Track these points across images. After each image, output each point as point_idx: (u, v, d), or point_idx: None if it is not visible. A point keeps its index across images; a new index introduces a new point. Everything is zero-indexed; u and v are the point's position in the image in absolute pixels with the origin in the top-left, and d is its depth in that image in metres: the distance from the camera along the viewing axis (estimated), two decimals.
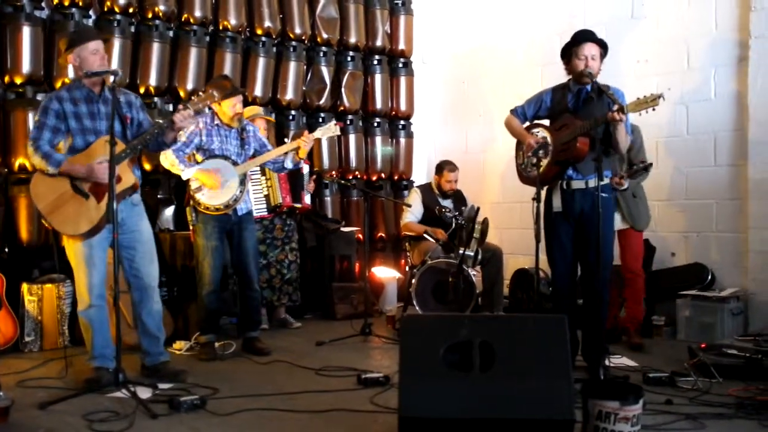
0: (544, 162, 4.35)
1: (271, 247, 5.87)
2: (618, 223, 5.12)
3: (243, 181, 4.83)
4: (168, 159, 4.74)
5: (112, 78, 3.84)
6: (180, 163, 4.77)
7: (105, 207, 3.89)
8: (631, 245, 5.26)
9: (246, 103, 5.77)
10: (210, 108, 4.61)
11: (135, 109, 4.18)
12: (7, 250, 5.39)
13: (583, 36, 4.25)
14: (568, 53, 4.28)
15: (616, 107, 3.98)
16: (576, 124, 4.18)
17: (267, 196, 5.74)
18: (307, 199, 6.07)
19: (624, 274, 5.28)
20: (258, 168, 5.50)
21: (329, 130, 5.07)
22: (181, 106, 4.04)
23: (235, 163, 4.85)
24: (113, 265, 3.77)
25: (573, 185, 4.28)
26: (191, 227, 4.97)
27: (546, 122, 4.49)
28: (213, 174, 4.75)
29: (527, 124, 4.52)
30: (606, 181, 4.26)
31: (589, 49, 4.19)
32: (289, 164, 5.10)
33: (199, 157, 4.89)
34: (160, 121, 4.08)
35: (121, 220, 4.01)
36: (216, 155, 4.86)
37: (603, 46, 4.25)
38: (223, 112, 4.90)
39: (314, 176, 6.34)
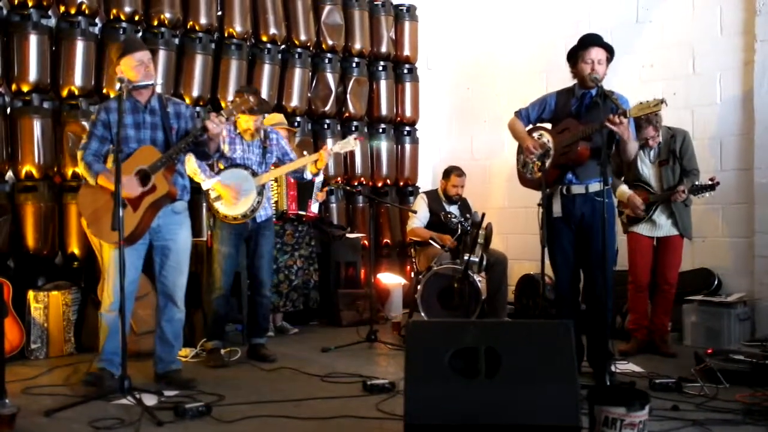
0: (546, 164, 4.34)
1: (281, 252, 5.87)
2: (666, 229, 5.04)
3: (261, 192, 4.85)
4: (191, 167, 4.76)
5: (159, 88, 3.86)
6: (201, 172, 4.80)
7: (140, 215, 3.97)
8: (674, 254, 5.09)
9: None
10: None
11: (183, 120, 4.21)
12: (11, 261, 5.41)
13: (591, 40, 4.23)
14: (575, 57, 4.26)
15: (619, 111, 3.97)
16: (578, 128, 4.18)
17: (276, 202, 5.75)
18: (314, 207, 6.05)
19: (659, 284, 5.10)
20: None
21: (348, 144, 5.10)
22: (213, 114, 4.07)
23: (254, 173, 4.88)
24: (119, 273, 3.76)
25: (573, 190, 4.26)
26: (209, 233, 5.01)
27: (548, 126, 4.48)
28: (230, 190, 4.77)
29: (530, 126, 4.51)
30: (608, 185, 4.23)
31: (596, 54, 4.17)
32: (308, 175, 5.15)
33: (221, 164, 4.93)
34: (194, 130, 4.09)
35: (158, 227, 4.10)
36: (237, 164, 4.89)
37: (610, 51, 4.23)
38: (239, 123, 4.94)
39: (327, 186, 6.33)
